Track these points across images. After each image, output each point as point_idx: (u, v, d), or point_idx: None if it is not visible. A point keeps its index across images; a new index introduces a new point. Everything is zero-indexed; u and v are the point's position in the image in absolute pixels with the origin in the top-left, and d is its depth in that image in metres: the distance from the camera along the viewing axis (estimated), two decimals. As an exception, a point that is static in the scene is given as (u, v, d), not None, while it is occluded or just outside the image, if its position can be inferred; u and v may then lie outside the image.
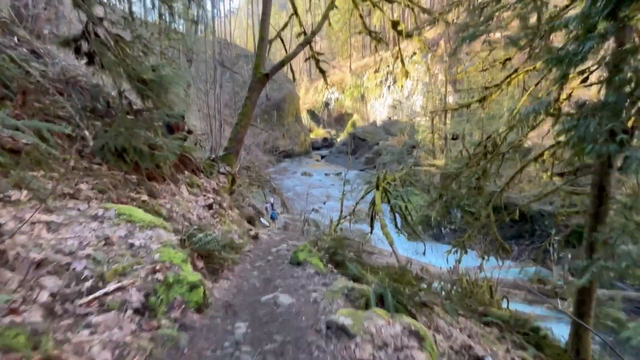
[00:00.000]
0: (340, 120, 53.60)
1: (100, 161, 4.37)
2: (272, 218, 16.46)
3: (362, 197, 7.17)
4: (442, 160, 28.26)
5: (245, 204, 17.20)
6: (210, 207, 5.55)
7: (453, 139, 29.34)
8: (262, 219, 18.93)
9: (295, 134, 44.66)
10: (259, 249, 5.11)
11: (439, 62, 41.37)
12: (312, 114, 56.42)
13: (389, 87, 49.17)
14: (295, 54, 7.98)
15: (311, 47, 9.17)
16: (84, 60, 4.77)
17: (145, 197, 4.29)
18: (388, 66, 49.24)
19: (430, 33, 43.81)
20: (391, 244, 5.43)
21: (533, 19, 5.59)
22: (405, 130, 38.31)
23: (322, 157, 44.54)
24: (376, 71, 50.68)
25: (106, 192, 3.71)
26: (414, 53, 46.21)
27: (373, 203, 7.03)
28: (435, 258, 19.63)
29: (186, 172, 6.06)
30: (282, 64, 7.86)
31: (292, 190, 30.37)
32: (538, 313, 9.11)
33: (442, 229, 24.70)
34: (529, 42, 6.23)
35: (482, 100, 7.06)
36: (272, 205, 20.44)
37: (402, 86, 46.94)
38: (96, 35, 4.59)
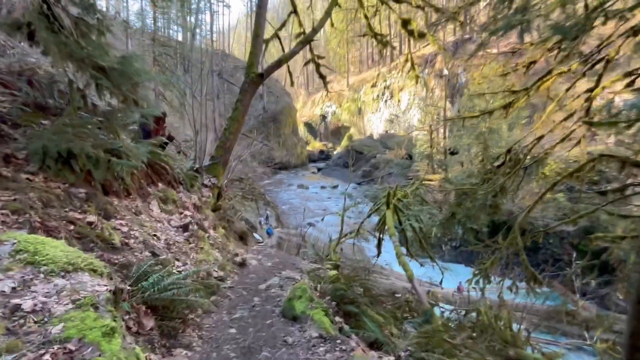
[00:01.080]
0: (337, 133, 52.96)
1: (35, 169, 3.28)
2: (268, 234, 15.46)
3: (369, 215, 6.12)
4: (441, 175, 27.42)
5: (237, 218, 16.03)
6: (185, 228, 4.43)
7: (452, 154, 28.58)
8: (255, 234, 17.74)
9: (291, 146, 43.77)
10: (244, 284, 3.99)
11: (436, 77, 41.11)
12: (309, 126, 55.79)
13: (385, 101, 48.80)
14: (294, 53, 7.05)
15: (311, 50, 8.26)
16: (40, 49, 3.74)
17: (92, 218, 3.18)
18: (385, 81, 49.01)
19: (427, 49, 43.80)
20: (411, 278, 4.35)
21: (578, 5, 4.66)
22: (402, 144, 37.59)
23: (319, 169, 43.59)
24: (373, 85, 50.39)
25: (24, 212, 2.60)
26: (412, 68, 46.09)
27: (381, 223, 5.99)
28: (436, 275, 18.48)
29: (160, 185, 4.97)
30: (279, 63, 6.91)
31: (287, 203, 29.22)
32: (561, 341, 8.00)
33: (443, 245, 23.65)
34: (560, 42, 5.35)
35: (506, 106, 6.11)
36: (267, 218, 19.25)
37: (399, 100, 46.61)
38: (52, 17, 3.58)
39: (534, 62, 6.65)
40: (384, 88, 48.84)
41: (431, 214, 8.61)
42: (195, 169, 6.14)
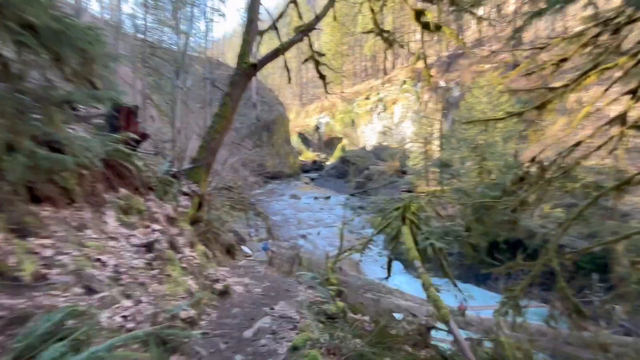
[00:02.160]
0: (330, 144, 52.29)
1: None
2: (264, 250, 14.48)
3: (379, 232, 5.09)
4: (436, 188, 26.69)
5: (225, 229, 14.81)
6: (149, 247, 3.33)
7: (444, 166, 27.97)
8: (244, 247, 16.49)
9: (284, 156, 42.77)
10: (223, 327, 2.90)
11: (429, 90, 40.96)
12: (302, 137, 55.00)
13: (379, 113, 48.51)
14: (293, 42, 6.10)
15: (311, 46, 7.35)
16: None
17: (-6, 237, 2.09)
18: (378, 94, 48.81)
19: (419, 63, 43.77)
20: (446, 319, 3.30)
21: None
22: (396, 156, 36.96)
23: (312, 180, 42.58)
24: (367, 98, 50.13)
25: None
26: (404, 82, 45.98)
27: (391, 240, 4.98)
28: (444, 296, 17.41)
29: (122, 191, 3.87)
30: (275, 53, 5.95)
31: (279, 213, 28.02)
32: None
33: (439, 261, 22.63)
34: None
35: (540, 107, 5.24)
36: (267, 245, 18.06)
37: (392, 113, 46.31)
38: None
39: (565, 60, 5.82)
40: (378, 101, 48.61)
41: (453, 230, 7.65)
42: (172, 173, 5.06)
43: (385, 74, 48.67)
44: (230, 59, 63.07)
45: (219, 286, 3.97)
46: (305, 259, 9.92)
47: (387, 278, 5.52)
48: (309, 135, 55.37)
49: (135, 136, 4.75)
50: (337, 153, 48.12)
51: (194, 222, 5.27)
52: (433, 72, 38.19)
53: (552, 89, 5.05)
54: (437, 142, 31.53)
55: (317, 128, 54.80)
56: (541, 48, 6.16)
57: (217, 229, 10.99)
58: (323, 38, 56.28)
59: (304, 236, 25.09)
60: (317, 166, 48.17)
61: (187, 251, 4.17)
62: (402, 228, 4.39)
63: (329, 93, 7.70)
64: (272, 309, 3.46)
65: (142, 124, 5.27)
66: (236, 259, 14.07)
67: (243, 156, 27.68)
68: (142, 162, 4.45)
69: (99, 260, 2.66)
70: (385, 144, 44.27)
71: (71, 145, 2.92)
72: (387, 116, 46.87)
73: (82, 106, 3.97)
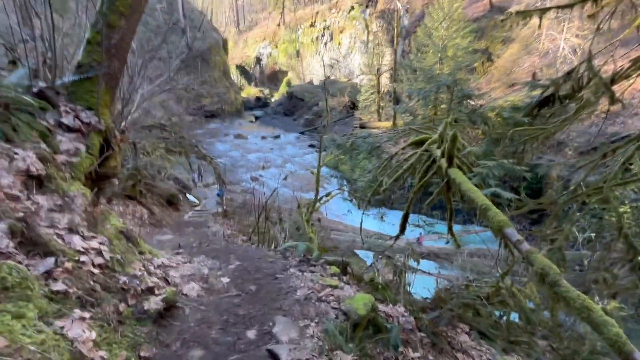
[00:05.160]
0: (274, 78, 47.69)
1: None
2: (218, 196, 12.42)
3: (422, 185, 3.29)
4: (389, 123, 25.73)
5: (163, 177, 12.11)
6: None
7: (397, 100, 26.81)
8: (189, 195, 14.04)
9: (224, 91, 37.85)
10: None
11: (378, 19, 37.90)
12: (242, 70, 49.09)
13: (325, 44, 44.49)
14: None
15: None
16: None
17: None
18: (325, 20, 44.17)
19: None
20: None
21: None
22: (345, 90, 34.77)
23: (257, 117, 39.02)
24: (312, 25, 45.20)
25: None
26: (352, 7, 41.76)
27: (421, 188, 3.35)
28: (386, 226, 17.30)
29: None
30: None
31: (225, 155, 25.15)
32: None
33: (392, 194, 22.67)
34: None
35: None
36: (199, 175, 15.64)
37: (339, 43, 42.70)
38: None
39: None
40: (324, 29, 44.17)
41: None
42: (36, 90, 2.61)
43: (332, -3, 43.62)
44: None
45: (155, 302, 2.02)
46: (271, 206, 8.14)
47: (398, 236, 4.03)
48: (250, 68, 49.67)
49: None
50: (283, 88, 44.24)
51: (100, 178, 3.00)
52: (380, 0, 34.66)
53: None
54: (388, 75, 29.87)
55: (258, 60, 49.12)
56: None
57: (150, 179, 8.42)
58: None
59: (255, 178, 23.05)
60: (261, 103, 44.10)
61: (78, 241, 2.04)
62: (451, 171, 2.76)
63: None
64: (268, 349, 1.68)
65: None
66: (181, 211, 11.74)
67: (175, 90, 23.25)
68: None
69: None
70: (333, 77, 41.44)
71: None
72: (334, 47, 43.23)
73: None
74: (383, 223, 17.75)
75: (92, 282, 1.84)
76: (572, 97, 4.18)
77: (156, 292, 2.15)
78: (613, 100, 2.96)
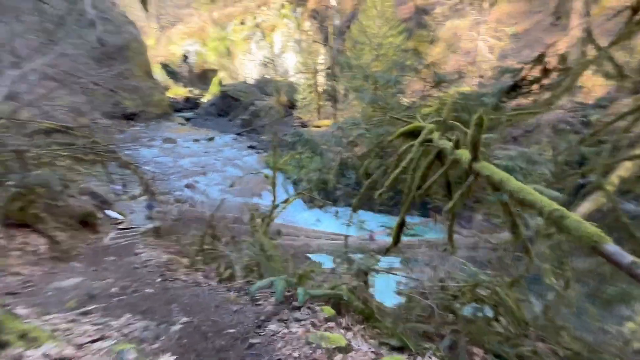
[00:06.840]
0: (204, 77, 44.49)
1: None
2: (150, 209, 10.62)
3: (433, 180, 2.67)
4: (329, 121, 25.57)
5: (74, 193, 9.91)
6: None
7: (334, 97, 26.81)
8: (110, 212, 11.83)
9: (147, 92, 33.96)
10: None
11: (310, 18, 37.72)
12: (167, 69, 44.80)
13: (257, 42, 42.87)
14: None
15: None
16: None
17: None
18: (255, 18, 42.55)
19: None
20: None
21: None
22: (282, 89, 33.83)
23: (187, 119, 35.89)
24: (242, 23, 43.18)
25: None
26: (282, 5, 40.89)
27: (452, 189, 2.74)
28: (330, 223, 16.95)
29: None
30: None
31: (152, 163, 22.39)
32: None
33: (337, 190, 22.49)
34: None
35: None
36: (151, 204, 13.26)
37: (272, 42, 41.54)
38: None
39: None
40: (255, 27, 42.51)
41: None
42: None
43: (261, -6, 42.15)
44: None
45: None
46: (217, 220, 6.87)
47: (391, 247, 3.40)
48: (176, 67, 45.59)
49: None
50: (214, 88, 41.44)
51: None
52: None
53: None
54: (324, 73, 29.77)
55: (185, 58, 45.35)
56: None
57: (51, 197, 6.57)
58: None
59: (190, 186, 20.91)
60: (191, 104, 40.74)
61: None
62: (480, 166, 2.17)
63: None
64: None
65: None
66: (100, 232, 9.72)
67: (86, 90, 19.85)
68: None
69: None
70: (267, 76, 40.09)
71: None
72: (266, 45, 41.87)
73: None
74: (338, 221, 17.44)
75: None
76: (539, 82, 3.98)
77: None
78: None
